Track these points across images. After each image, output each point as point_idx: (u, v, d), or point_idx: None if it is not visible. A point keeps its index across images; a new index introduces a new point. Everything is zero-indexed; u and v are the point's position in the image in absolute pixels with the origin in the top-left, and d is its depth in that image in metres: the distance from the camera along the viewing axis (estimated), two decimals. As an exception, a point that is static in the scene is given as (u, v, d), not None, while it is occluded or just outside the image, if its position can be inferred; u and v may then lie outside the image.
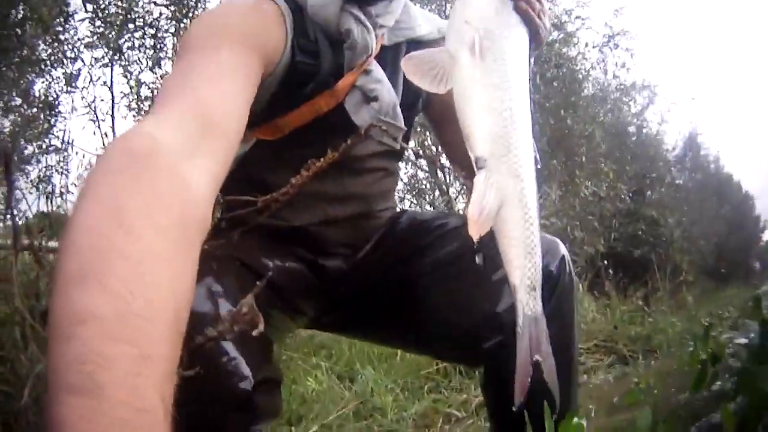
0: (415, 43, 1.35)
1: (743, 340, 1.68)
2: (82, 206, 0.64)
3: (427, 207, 6.89)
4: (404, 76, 1.06)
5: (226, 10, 1.17)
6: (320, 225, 1.35)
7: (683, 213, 11.05)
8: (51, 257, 1.90)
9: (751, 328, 1.67)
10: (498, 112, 0.88)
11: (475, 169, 0.87)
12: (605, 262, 7.22)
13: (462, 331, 1.33)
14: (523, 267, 0.86)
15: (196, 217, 0.73)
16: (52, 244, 2.16)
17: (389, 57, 1.33)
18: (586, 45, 8.26)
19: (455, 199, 6.76)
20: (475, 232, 0.83)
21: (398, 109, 1.29)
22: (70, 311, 0.56)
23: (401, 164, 1.73)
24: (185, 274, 0.67)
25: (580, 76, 8.36)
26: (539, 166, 0.89)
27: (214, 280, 1.03)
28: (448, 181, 7.11)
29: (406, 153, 1.56)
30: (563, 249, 1.38)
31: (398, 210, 1.55)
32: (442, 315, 1.34)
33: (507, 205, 0.85)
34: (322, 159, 1.07)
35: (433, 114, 1.51)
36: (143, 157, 0.71)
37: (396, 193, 1.68)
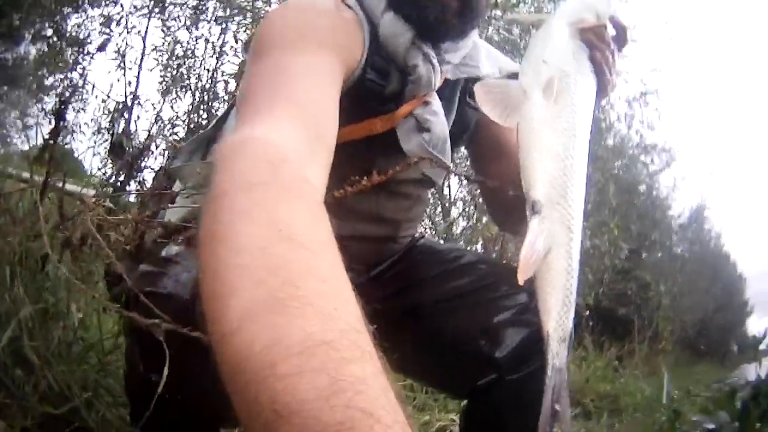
0: (475, 81, 1.30)
1: (711, 426, 1.68)
2: (237, 223, 0.61)
3: (426, 220, 6.89)
4: (457, 110, 1.13)
5: (310, 10, 1.14)
6: (348, 239, 1.31)
7: (675, 282, 11.05)
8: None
9: (722, 418, 1.68)
10: (561, 158, 0.87)
11: (528, 212, 0.87)
12: (587, 313, 7.22)
13: (458, 365, 1.33)
14: (559, 318, 0.86)
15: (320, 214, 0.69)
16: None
17: (447, 91, 1.32)
18: (617, 97, 8.26)
19: (455, 219, 6.75)
20: (523, 276, 0.83)
21: (448, 144, 1.26)
22: (288, 342, 0.49)
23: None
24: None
25: (604, 125, 8.36)
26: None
27: None
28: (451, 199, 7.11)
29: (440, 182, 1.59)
30: None
31: (417, 235, 1.55)
32: (442, 344, 1.34)
33: (554, 253, 0.84)
34: (366, 177, 1.08)
35: (478, 150, 1.49)
36: (280, 167, 0.70)
37: None
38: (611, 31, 1.05)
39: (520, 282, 0.83)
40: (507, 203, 1.18)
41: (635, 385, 5.26)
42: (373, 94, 1.20)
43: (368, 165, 1.13)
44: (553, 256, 0.84)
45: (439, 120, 1.24)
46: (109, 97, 4.53)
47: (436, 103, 1.26)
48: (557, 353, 0.87)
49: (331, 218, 0.80)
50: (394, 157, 1.17)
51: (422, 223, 7.35)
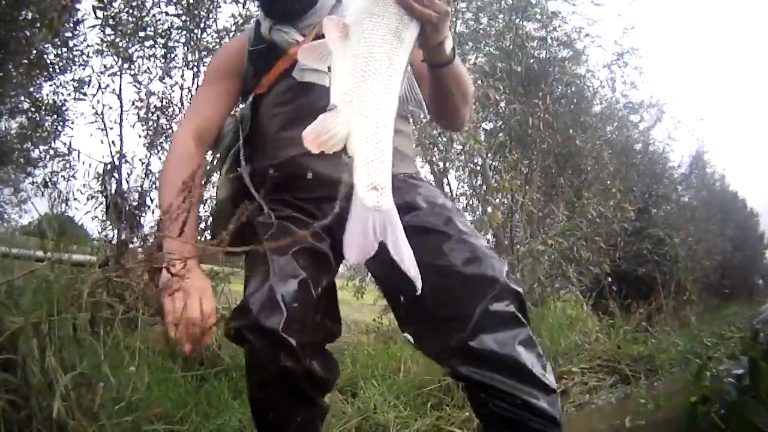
0: None
1: (740, 371, 1.68)
2: (164, 172, 1.92)
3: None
4: None
5: (219, 50, 2.42)
6: (304, 156, 1.71)
7: (688, 231, 11.01)
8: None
9: (743, 364, 1.68)
10: (350, 73, 1.15)
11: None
12: (609, 279, 7.20)
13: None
14: (361, 173, 1.10)
15: (192, 162, 1.81)
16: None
17: None
18: (596, 63, 8.27)
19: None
20: (310, 145, 1.10)
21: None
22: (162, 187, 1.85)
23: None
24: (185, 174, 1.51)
25: (588, 94, 8.37)
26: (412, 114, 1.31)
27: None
28: (453, 195, 7.12)
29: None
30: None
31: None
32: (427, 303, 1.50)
33: (352, 133, 1.12)
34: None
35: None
36: (177, 146, 1.89)
37: None
38: None
39: (313, 151, 1.11)
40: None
41: (668, 341, 5.24)
42: (264, 55, 1.91)
43: (297, 100, 1.84)
44: (351, 137, 1.12)
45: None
46: (98, 161, 4.54)
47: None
48: (364, 197, 1.10)
49: (281, 147, 1.87)
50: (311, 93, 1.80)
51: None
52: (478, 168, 6.38)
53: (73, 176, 5.13)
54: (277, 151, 1.86)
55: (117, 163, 4.46)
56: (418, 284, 1.13)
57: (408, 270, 1.12)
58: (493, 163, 6.69)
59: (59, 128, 5.39)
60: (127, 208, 4.27)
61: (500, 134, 6.66)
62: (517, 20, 6.81)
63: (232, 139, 1.96)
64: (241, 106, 2.05)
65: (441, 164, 6.85)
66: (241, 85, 1.97)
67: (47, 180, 5.39)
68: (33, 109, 5.74)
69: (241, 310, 1.51)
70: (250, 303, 1.49)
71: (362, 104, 1.14)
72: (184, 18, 4.51)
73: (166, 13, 4.57)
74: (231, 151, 1.95)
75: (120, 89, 4.56)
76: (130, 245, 4.33)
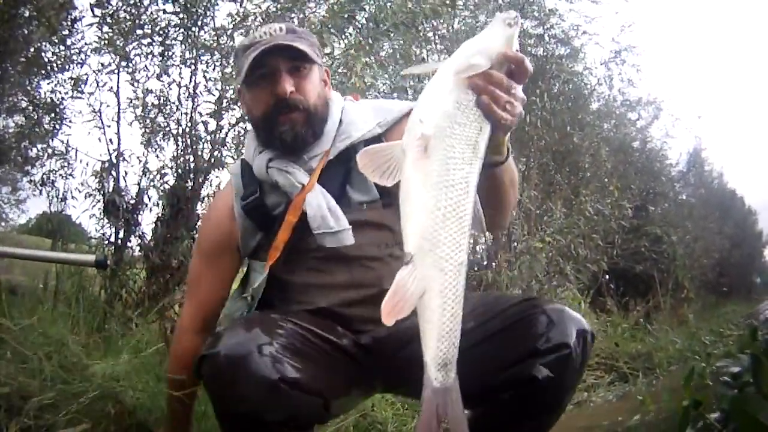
0: (363, 143, 1.69)
1: (737, 368, 1.69)
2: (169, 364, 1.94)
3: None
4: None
5: (204, 219, 2.26)
6: (342, 306, 1.71)
7: (686, 229, 11.01)
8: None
9: (742, 361, 1.68)
10: (431, 211, 0.98)
11: (403, 262, 0.99)
12: (607, 277, 7.21)
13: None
14: (436, 349, 0.97)
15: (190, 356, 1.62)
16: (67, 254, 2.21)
17: (333, 168, 1.73)
18: (593, 61, 8.27)
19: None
20: (387, 319, 0.97)
21: (336, 212, 1.66)
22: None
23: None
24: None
25: (586, 92, 8.37)
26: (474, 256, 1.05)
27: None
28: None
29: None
30: (587, 325, 1.49)
31: None
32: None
33: (427, 294, 0.96)
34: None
35: None
36: (179, 338, 1.90)
37: None
38: (503, 68, 1.11)
39: (388, 324, 0.98)
40: None
41: (666, 339, 5.25)
42: (264, 208, 1.77)
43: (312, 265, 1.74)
44: (426, 297, 0.96)
45: (313, 203, 1.66)
46: (96, 159, 4.53)
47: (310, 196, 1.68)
48: (435, 377, 0.99)
49: (318, 294, 1.72)
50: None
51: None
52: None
53: (71, 174, 5.11)
54: (302, 296, 1.75)
55: (114, 161, 4.44)
56: None
57: None
58: (491, 161, 6.66)
59: (57, 126, 5.37)
60: (124, 206, 4.27)
61: (498, 132, 6.62)
62: (515, 18, 6.78)
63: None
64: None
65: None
66: (239, 254, 1.84)
67: (45, 178, 5.37)
68: (30, 108, 5.73)
69: None
70: None
71: (442, 256, 0.98)
72: (181, 16, 4.48)
73: (164, 11, 4.54)
74: None
75: (117, 87, 4.54)
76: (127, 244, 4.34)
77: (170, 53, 4.60)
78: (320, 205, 1.65)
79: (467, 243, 1.01)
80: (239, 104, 3.87)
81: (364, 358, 1.67)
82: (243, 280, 1.90)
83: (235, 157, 4.30)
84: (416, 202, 0.99)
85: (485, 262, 5.85)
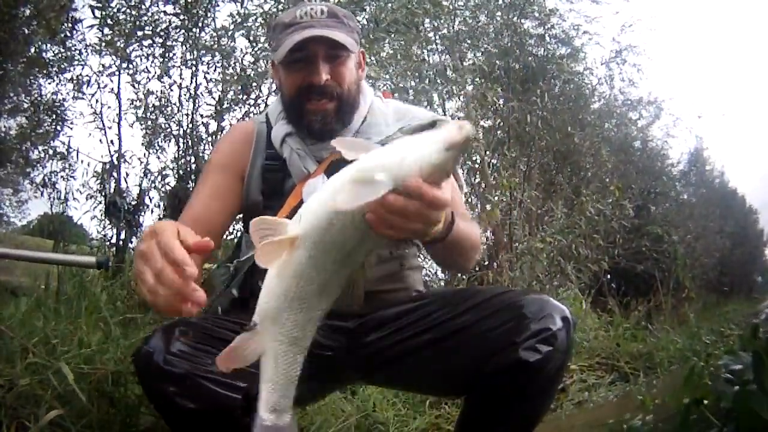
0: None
1: (738, 366, 1.69)
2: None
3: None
4: None
5: (223, 138, 2.01)
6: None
7: (687, 228, 11.01)
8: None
9: (743, 360, 1.69)
10: (278, 297, 1.02)
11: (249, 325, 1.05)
12: (608, 277, 7.21)
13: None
14: (266, 398, 1.05)
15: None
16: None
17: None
18: (594, 61, 8.28)
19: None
20: (222, 365, 1.04)
21: None
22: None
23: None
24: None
25: (587, 92, 8.37)
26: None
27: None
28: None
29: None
30: (569, 313, 1.50)
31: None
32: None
33: (264, 357, 1.05)
34: None
35: None
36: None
37: None
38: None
39: (223, 370, 1.05)
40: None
41: (667, 339, 5.24)
42: (278, 173, 1.76)
43: None
44: (263, 359, 1.05)
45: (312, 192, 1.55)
46: (97, 161, 4.54)
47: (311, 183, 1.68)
48: (267, 418, 1.05)
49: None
50: None
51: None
52: (477, 166, 6.38)
53: (72, 176, 5.13)
54: None
55: (116, 162, 4.45)
56: None
57: None
58: (492, 161, 6.69)
59: (58, 128, 5.39)
60: (125, 207, 4.28)
61: (499, 132, 6.65)
62: (515, 18, 6.81)
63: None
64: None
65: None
66: (241, 186, 1.80)
67: (46, 180, 5.39)
68: (32, 109, 5.74)
69: None
70: None
71: (281, 332, 1.03)
72: (182, 17, 4.50)
73: (165, 12, 4.56)
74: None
75: (118, 88, 4.55)
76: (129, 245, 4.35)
77: (171, 54, 4.62)
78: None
79: (313, 319, 1.06)
80: (263, 85, 3.90)
81: (336, 350, 1.67)
82: (233, 253, 1.87)
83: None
84: (269, 283, 1.03)
85: (486, 263, 5.84)
